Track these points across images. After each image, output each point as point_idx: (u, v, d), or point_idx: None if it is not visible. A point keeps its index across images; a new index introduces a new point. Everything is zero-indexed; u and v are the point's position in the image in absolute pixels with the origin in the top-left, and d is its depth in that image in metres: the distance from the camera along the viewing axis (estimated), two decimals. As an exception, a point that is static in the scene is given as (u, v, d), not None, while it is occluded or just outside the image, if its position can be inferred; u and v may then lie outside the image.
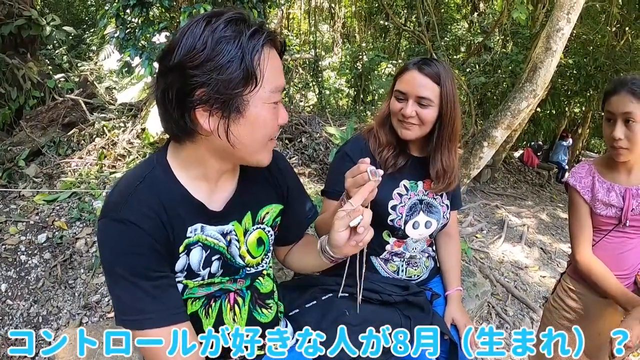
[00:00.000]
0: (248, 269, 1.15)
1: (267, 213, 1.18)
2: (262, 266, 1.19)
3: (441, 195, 1.67)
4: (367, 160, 1.13)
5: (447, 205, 1.69)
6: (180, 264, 1.01)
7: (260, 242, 1.17)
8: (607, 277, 1.60)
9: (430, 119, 1.50)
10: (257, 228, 1.15)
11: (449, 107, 1.50)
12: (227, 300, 1.14)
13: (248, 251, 1.13)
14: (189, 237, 1.02)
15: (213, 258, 1.06)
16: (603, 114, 1.58)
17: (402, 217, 1.59)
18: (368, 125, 1.73)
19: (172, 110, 0.91)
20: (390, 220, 1.57)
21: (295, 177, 1.32)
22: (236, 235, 1.10)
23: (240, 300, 1.16)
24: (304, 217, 1.33)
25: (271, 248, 1.22)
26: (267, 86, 0.92)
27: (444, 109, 1.50)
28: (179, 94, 0.89)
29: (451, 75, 1.52)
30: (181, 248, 1.00)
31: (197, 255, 1.03)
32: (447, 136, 1.54)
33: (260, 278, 1.23)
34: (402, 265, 1.67)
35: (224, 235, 1.08)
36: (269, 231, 1.19)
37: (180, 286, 1.03)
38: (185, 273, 1.03)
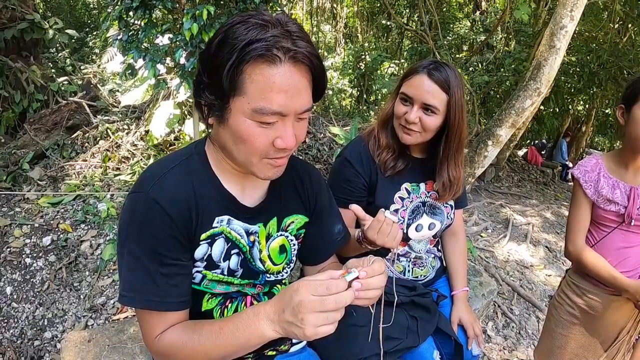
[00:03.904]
0: (268, 275, 1.14)
1: (292, 222, 1.17)
2: (283, 275, 1.18)
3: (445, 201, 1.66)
4: (355, 206, 1.23)
5: (451, 205, 1.68)
6: (200, 252, 1.01)
7: (282, 249, 1.15)
8: (597, 264, 1.61)
9: (433, 127, 1.47)
10: (280, 235, 1.15)
11: (456, 118, 1.46)
12: (243, 303, 1.13)
13: (269, 257, 1.12)
14: (215, 228, 1.02)
15: (232, 252, 1.05)
16: (622, 104, 1.57)
17: (404, 220, 1.58)
18: (369, 127, 1.71)
19: (193, 94, 0.98)
20: None
21: (328, 196, 1.28)
22: (259, 238, 1.10)
23: (256, 304, 1.15)
24: (332, 238, 1.27)
25: (294, 258, 1.20)
26: (251, 102, 0.85)
27: (450, 119, 1.46)
28: (194, 83, 0.96)
29: (461, 82, 1.48)
30: (203, 236, 1.00)
31: (219, 247, 1.03)
32: (453, 147, 1.51)
33: (279, 285, 1.22)
34: (409, 266, 1.66)
35: (249, 234, 1.07)
36: (291, 240, 1.18)
37: (199, 276, 1.03)
38: (205, 263, 1.02)
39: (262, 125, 0.88)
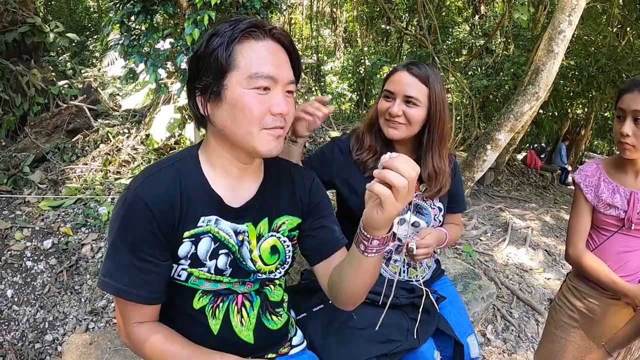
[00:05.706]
0: (259, 274, 1.15)
1: (284, 223, 1.18)
2: (275, 275, 1.18)
3: (432, 197, 1.67)
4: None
5: (438, 207, 1.69)
6: (183, 250, 1.04)
7: (274, 250, 1.16)
8: (597, 268, 1.62)
9: (417, 118, 1.52)
10: (272, 236, 1.16)
11: (437, 109, 1.52)
12: (234, 302, 1.14)
13: (260, 257, 1.14)
14: (200, 227, 1.05)
15: (220, 252, 1.08)
16: (615, 112, 1.60)
17: None
18: (355, 126, 1.75)
19: (187, 97, 1.06)
20: None
21: (324, 201, 1.25)
22: (249, 237, 1.11)
23: (247, 304, 1.16)
24: (334, 233, 1.22)
25: (288, 260, 1.20)
26: (245, 72, 0.96)
27: (432, 110, 1.52)
28: (188, 83, 1.04)
29: (440, 79, 1.55)
30: (186, 234, 1.04)
31: (205, 245, 1.06)
32: (437, 138, 1.56)
33: (271, 286, 1.23)
34: (403, 266, 1.66)
35: (237, 233, 1.10)
36: (284, 241, 1.18)
37: (184, 273, 1.06)
38: (190, 261, 1.05)
39: (258, 92, 0.96)
